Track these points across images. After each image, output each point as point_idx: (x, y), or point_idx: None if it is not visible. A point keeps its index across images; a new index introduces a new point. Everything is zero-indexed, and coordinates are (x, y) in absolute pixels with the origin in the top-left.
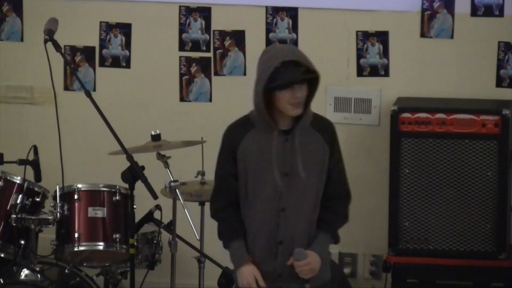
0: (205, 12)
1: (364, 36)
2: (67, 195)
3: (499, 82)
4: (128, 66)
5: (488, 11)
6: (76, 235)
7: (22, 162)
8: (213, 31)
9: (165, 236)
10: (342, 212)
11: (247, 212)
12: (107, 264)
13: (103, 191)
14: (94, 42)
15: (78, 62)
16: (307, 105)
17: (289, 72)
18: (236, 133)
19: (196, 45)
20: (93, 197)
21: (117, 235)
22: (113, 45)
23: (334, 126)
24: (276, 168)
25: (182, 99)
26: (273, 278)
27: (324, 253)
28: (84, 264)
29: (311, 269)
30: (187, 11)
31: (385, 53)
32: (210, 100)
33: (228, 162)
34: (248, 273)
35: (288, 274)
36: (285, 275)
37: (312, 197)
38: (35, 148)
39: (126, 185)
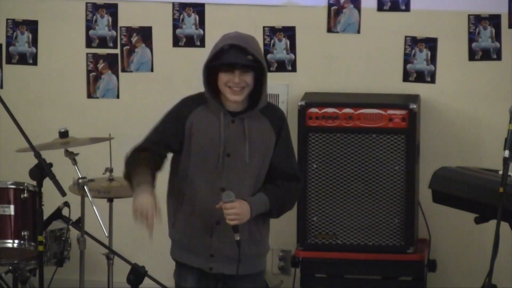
0: (111, 9)
1: (271, 32)
2: None
3: (406, 77)
4: (35, 63)
5: (395, 6)
6: None
7: None
8: (120, 27)
9: (74, 233)
10: (288, 189)
11: (187, 188)
12: (15, 262)
13: (11, 188)
14: (0, 39)
15: None
16: (258, 94)
17: (233, 56)
18: (187, 105)
19: (103, 42)
20: (1, 194)
21: (26, 232)
22: (20, 42)
23: (284, 116)
24: (217, 148)
25: (89, 95)
26: (205, 257)
27: (256, 210)
28: None
29: (237, 214)
30: (94, 8)
31: (292, 48)
32: (118, 97)
33: (173, 125)
34: (146, 202)
35: (221, 256)
36: (217, 256)
37: (251, 181)
38: None
39: (34, 182)
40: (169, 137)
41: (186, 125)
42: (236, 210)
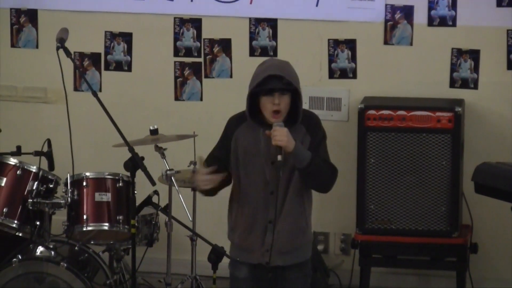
0: (196, 23)
1: (335, 44)
2: (76, 182)
3: (452, 83)
4: (129, 70)
5: (443, 22)
6: (84, 216)
7: (37, 153)
8: (204, 39)
9: (162, 217)
10: (327, 162)
11: (241, 195)
12: (111, 242)
13: (108, 178)
14: (100, 49)
15: (86, 66)
16: (296, 114)
17: (272, 83)
18: (233, 123)
19: (188, 52)
20: (99, 183)
21: (120, 217)
22: (116, 52)
23: (316, 118)
24: (261, 158)
25: (176, 98)
26: (261, 253)
27: (298, 148)
28: (92, 242)
29: (283, 136)
30: (181, 22)
31: (353, 58)
32: (201, 99)
33: (220, 148)
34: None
35: (275, 250)
36: (271, 251)
37: (297, 180)
38: (48, 141)
39: (128, 173)
40: (217, 160)
41: (232, 142)
42: (283, 132)
